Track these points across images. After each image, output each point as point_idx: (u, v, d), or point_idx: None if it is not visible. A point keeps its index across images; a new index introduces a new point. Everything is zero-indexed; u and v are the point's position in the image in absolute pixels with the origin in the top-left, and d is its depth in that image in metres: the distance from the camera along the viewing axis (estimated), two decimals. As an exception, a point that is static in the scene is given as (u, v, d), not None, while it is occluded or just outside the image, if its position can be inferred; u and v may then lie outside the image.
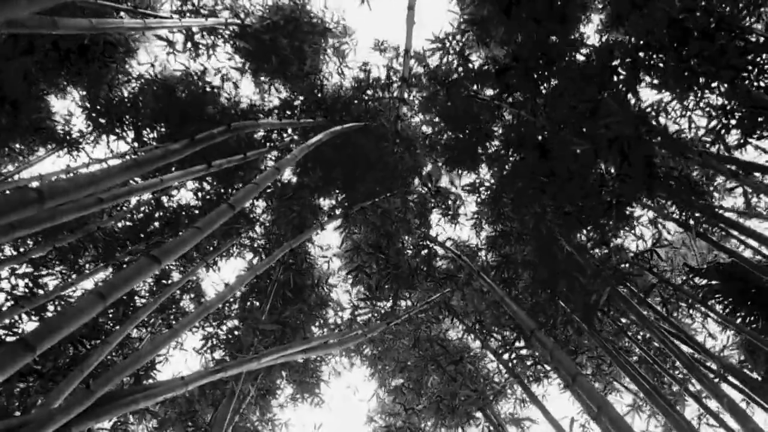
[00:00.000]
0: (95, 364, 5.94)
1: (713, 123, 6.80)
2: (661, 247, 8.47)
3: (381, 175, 9.47)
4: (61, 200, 3.88)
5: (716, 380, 7.73)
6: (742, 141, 6.76)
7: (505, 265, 8.67)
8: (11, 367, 3.20)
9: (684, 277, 8.49)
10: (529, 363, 9.05)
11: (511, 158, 9.05)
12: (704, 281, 8.27)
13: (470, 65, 8.96)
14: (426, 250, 9.76)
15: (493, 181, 9.69)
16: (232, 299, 9.46)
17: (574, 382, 4.68)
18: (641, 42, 6.63)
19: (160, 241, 8.94)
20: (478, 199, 9.97)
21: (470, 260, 8.97)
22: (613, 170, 7.85)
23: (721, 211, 7.80)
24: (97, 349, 5.90)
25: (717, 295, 8.09)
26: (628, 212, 7.74)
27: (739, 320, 8.29)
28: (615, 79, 6.99)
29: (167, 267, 9.63)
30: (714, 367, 8.21)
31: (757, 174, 7.06)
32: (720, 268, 8.23)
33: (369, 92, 9.77)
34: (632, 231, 8.13)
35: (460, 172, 10.40)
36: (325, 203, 10.47)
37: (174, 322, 9.45)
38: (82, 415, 4.50)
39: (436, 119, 10.16)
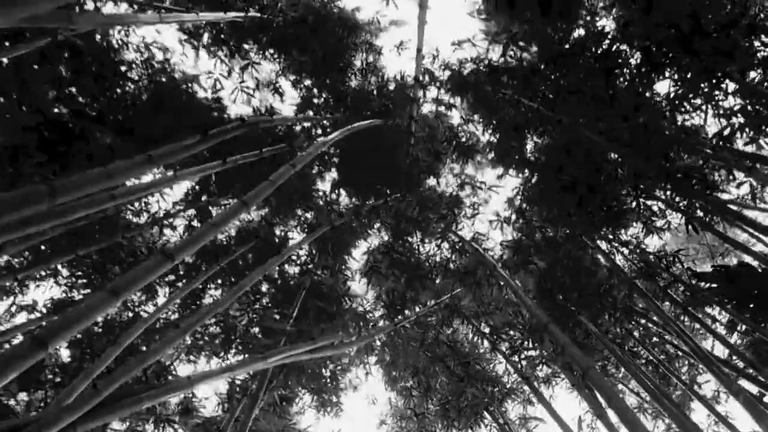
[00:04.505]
0: (106, 364, 5.92)
1: (722, 121, 6.81)
2: (681, 251, 8.51)
3: (394, 175, 9.41)
4: (73, 196, 3.84)
5: (735, 376, 7.73)
6: (751, 138, 6.75)
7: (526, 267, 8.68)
8: (24, 364, 3.18)
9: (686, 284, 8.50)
10: (537, 363, 9.04)
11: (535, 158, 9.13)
12: (707, 285, 8.27)
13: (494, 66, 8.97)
14: (446, 245, 9.74)
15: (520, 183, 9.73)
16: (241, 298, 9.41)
17: (585, 376, 4.65)
18: (656, 33, 6.62)
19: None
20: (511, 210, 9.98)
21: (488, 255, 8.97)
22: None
23: (730, 205, 7.79)
24: (108, 350, 5.87)
25: (720, 299, 8.10)
26: (643, 207, 7.79)
27: (743, 325, 8.28)
28: (629, 70, 7.01)
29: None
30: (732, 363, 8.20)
31: (766, 166, 7.05)
32: (723, 271, 8.21)
33: (387, 90, 9.64)
34: (649, 227, 8.19)
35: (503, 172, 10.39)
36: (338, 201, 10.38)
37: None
38: (88, 415, 4.47)
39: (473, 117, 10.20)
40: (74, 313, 3.33)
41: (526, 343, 8.69)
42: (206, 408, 9.60)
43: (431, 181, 10.39)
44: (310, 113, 9.30)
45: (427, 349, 9.70)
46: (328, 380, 10.41)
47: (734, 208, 7.91)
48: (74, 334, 3.31)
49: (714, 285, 8.16)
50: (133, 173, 3.81)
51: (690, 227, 7.48)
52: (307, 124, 9.17)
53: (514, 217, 9.78)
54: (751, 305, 7.87)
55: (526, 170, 9.50)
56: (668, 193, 7.68)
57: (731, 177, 7.59)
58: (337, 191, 9.81)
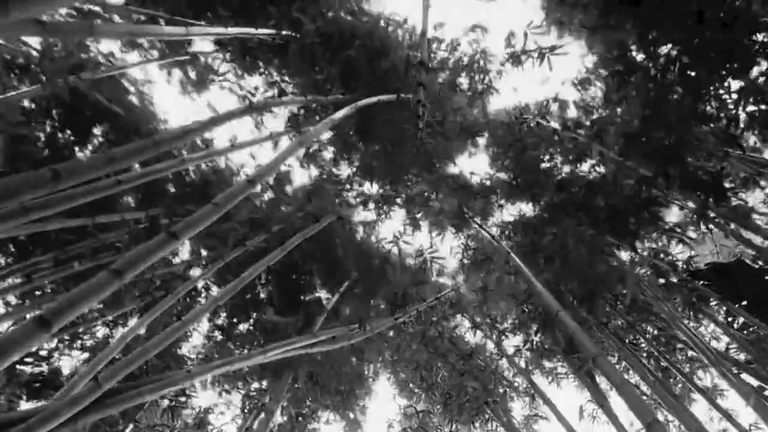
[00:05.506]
0: (109, 358, 5.89)
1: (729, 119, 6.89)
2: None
3: (403, 160, 9.32)
4: (77, 180, 3.82)
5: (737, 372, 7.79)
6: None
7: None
8: (29, 344, 3.16)
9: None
10: (541, 356, 9.09)
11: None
12: (701, 282, 8.37)
13: None
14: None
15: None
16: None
17: (594, 363, 4.67)
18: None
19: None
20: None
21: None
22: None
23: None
24: (112, 344, 5.85)
25: (715, 295, 8.19)
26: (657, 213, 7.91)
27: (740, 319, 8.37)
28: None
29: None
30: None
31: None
32: (717, 268, 8.31)
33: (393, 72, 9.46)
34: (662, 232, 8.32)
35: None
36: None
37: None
38: (88, 408, 4.45)
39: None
40: (78, 293, 3.30)
41: (532, 336, 8.76)
42: (220, 422, 9.68)
43: (446, 165, 10.39)
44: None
45: (428, 344, 9.69)
46: (346, 395, 10.37)
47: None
48: (77, 314, 3.27)
49: (707, 282, 8.28)
50: (137, 157, 3.81)
51: (703, 225, 7.61)
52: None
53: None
54: (744, 302, 7.97)
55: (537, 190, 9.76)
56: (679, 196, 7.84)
57: (749, 182, 7.70)
58: (350, 178, 9.73)
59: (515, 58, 9.07)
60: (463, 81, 10.05)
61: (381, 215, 9.95)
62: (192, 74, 9.70)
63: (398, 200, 9.89)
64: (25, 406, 8.92)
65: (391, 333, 9.69)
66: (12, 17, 3.30)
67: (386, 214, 9.95)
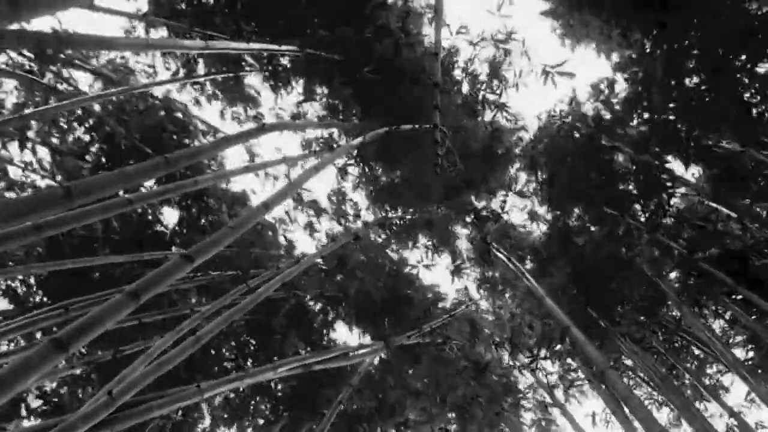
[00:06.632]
0: (134, 375, 5.86)
1: None
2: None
3: (421, 188, 9.18)
4: (89, 199, 3.80)
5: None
6: None
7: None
8: (44, 367, 3.12)
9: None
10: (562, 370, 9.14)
11: None
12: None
13: None
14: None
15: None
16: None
17: (602, 376, 4.78)
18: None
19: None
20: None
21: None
22: None
23: None
24: (136, 360, 5.81)
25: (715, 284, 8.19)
26: None
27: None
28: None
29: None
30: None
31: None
32: (719, 256, 8.31)
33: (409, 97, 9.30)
34: None
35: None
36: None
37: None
38: (101, 424, 4.42)
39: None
40: (94, 315, 3.28)
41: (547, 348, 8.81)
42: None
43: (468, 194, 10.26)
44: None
45: (439, 357, 9.64)
46: None
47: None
48: (94, 335, 3.25)
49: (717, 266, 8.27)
50: (151, 175, 3.80)
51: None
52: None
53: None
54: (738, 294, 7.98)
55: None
56: None
57: None
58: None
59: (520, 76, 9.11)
60: (481, 102, 9.85)
61: (398, 240, 9.93)
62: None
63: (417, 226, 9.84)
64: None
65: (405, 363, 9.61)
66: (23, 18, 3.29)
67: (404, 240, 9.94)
